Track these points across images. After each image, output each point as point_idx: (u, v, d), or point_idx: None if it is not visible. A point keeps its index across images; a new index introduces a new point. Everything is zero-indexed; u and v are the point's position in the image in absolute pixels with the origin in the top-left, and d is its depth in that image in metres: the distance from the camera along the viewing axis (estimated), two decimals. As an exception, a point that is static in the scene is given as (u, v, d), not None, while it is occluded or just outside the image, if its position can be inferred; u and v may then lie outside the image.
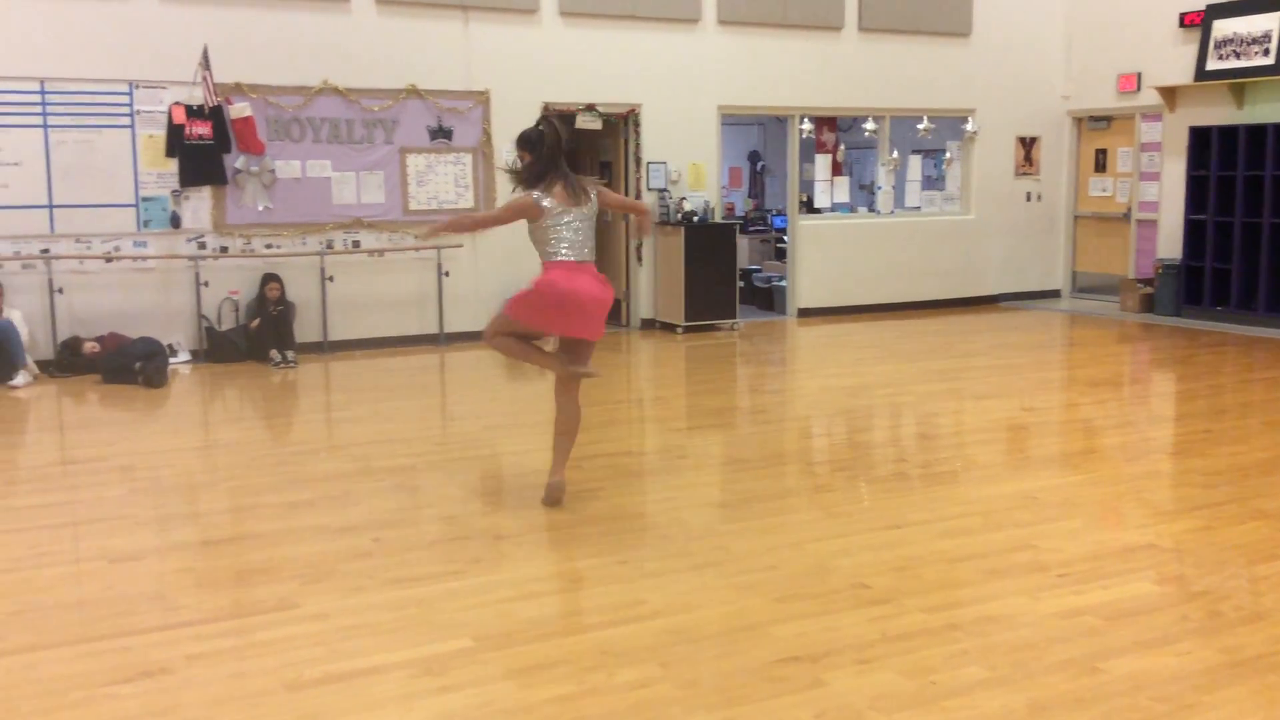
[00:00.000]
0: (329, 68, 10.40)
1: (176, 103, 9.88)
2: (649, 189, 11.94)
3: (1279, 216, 11.61)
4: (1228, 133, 12.09)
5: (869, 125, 13.18)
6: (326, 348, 10.55)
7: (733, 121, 14.14)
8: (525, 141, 5.57)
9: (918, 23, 13.01)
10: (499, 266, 10.91)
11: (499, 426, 7.54)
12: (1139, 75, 13.07)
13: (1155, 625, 4.07)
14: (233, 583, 4.60)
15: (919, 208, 13.66)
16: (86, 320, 9.68)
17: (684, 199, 11.92)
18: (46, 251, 9.54)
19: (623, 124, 11.88)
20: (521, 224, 5.56)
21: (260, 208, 10.27)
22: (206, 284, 10.08)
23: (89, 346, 9.44)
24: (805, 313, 12.87)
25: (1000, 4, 13.47)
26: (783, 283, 13.22)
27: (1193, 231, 12.45)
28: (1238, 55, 12.00)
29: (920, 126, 13.19)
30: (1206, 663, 3.76)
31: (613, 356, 10.70)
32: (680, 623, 4.11)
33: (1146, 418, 8.03)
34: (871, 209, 13.69)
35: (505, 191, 10.13)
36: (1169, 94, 12.68)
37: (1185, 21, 12.50)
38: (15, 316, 9.17)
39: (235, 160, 10.14)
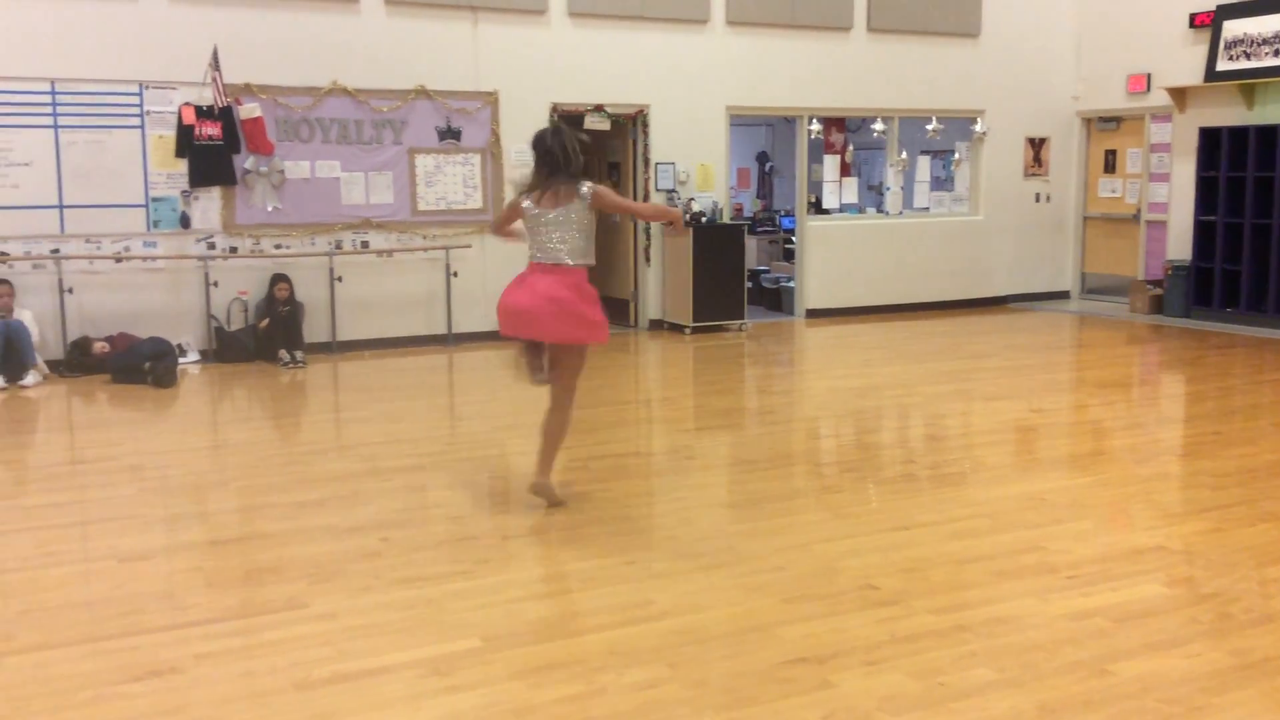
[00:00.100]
0: (338, 68, 10.42)
1: (186, 103, 9.91)
2: (657, 190, 11.94)
3: (1289, 218, 11.59)
4: (1238, 134, 12.05)
5: (878, 126, 13.16)
6: (335, 348, 10.57)
7: (741, 122, 14.13)
8: (531, 145, 5.60)
9: (927, 23, 12.99)
10: (507, 267, 10.88)
11: (507, 427, 7.54)
12: (1149, 76, 13.04)
13: (1164, 627, 4.06)
14: (241, 582, 4.61)
15: (928, 208, 13.64)
16: (96, 320, 9.71)
17: (692, 200, 11.92)
18: (57, 251, 9.57)
19: (631, 125, 11.88)
20: None
21: (269, 208, 10.29)
22: (216, 284, 10.10)
23: (99, 346, 9.46)
24: (813, 313, 12.86)
25: (1010, 4, 13.45)
26: (791, 283, 13.21)
27: (1202, 233, 12.41)
28: (1248, 56, 11.97)
29: (929, 127, 13.18)
30: (1216, 665, 3.75)
31: (621, 357, 10.71)
32: (688, 623, 4.11)
33: (1156, 419, 8.01)
34: (880, 210, 13.68)
35: (511, 193, 10.14)
36: (1179, 95, 12.64)
37: (1195, 22, 12.46)
38: (26, 317, 9.20)
39: (244, 161, 10.17)
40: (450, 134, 10.90)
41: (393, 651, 3.89)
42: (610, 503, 5.71)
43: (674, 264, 11.90)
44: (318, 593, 4.44)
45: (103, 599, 4.44)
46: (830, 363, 10.59)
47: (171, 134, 9.92)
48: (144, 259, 9.90)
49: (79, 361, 9.43)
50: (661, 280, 12.10)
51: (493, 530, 5.28)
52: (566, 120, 11.42)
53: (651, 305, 12.14)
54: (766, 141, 16.96)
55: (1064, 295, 14.29)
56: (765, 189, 16.98)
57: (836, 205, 13.34)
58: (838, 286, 12.98)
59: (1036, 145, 13.92)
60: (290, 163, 10.33)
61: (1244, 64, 12.00)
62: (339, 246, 10.56)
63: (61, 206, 9.61)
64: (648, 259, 12.06)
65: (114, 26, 9.66)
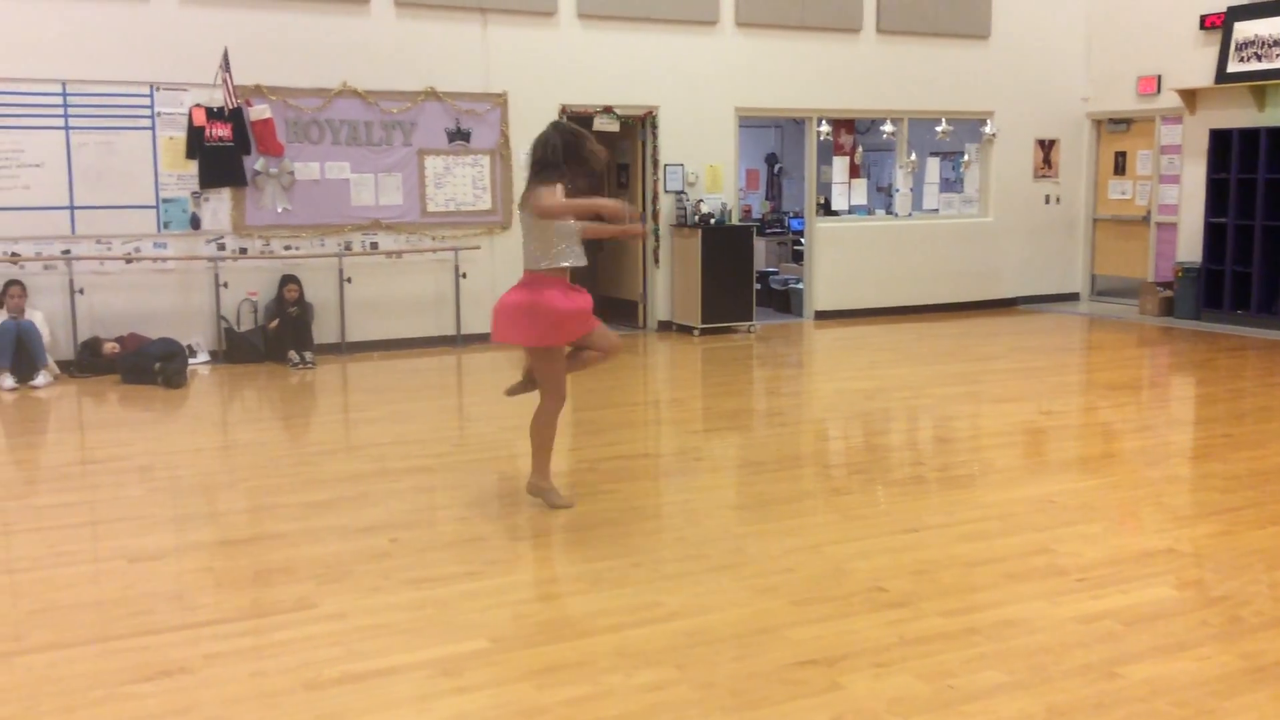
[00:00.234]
0: (348, 70, 10.44)
1: (197, 105, 9.93)
2: (666, 191, 11.94)
3: (1300, 220, 11.56)
4: (1249, 135, 12.02)
5: (887, 127, 13.15)
6: (344, 349, 10.59)
7: (750, 123, 14.13)
8: None
9: (936, 24, 12.98)
10: (515, 269, 10.87)
11: (516, 428, 7.53)
12: (1159, 77, 13.01)
13: (1174, 630, 4.05)
14: (251, 582, 4.62)
15: (937, 210, 13.62)
16: (106, 321, 9.74)
17: (701, 201, 11.92)
18: (68, 252, 9.60)
19: (640, 126, 11.89)
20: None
21: (279, 209, 10.31)
22: (226, 285, 10.12)
23: (109, 347, 9.49)
24: (822, 315, 12.85)
25: (1019, 6, 13.43)
26: (799, 285, 13.21)
27: (1213, 235, 12.38)
28: (1259, 57, 11.93)
29: (939, 129, 13.16)
30: (1226, 668, 3.74)
31: (629, 358, 10.71)
32: (697, 625, 4.11)
33: (1166, 422, 7.99)
34: (889, 211, 13.66)
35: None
36: (1189, 96, 12.61)
37: (1206, 24, 12.43)
38: (37, 318, 9.23)
39: (255, 162, 10.19)
40: (460, 135, 10.92)
41: (402, 652, 3.90)
42: (618, 504, 5.71)
43: (682, 266, 11.90)
44: (327, 593, 4.45)
45: (113, 599, 4.45)
46: (839, 364, 10.58)
47: (182, 135, 9.94)
48: (154, 260, 9.93)
49: (89, 362, 9.46)
50: (670, 282, 12.10)
51: (501, 531, 5.29)
52: (576, 121, 11.45)
53: (660, 307, 12.14)
54: (775, 143, 16.95)
55: (1074, 297, 14.26)
56: (774, 190, 16.97)
57: (845, 207, 13.33)
58: (846, 288, 12.96)
59: (1046, 147, 13.89)
60: (300, 164, 10.35)
61: (1255, 65, 11.97)
62: (348, 248, 10.58)
63: (72, 207, 9.64)
64: (656, 261, 12.06)
65: (125, 28, 9.69)
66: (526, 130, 10.88)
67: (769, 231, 15.03)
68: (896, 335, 11.80)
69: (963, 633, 4.01)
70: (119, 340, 9.58)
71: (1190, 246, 12.72)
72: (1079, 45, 13.84)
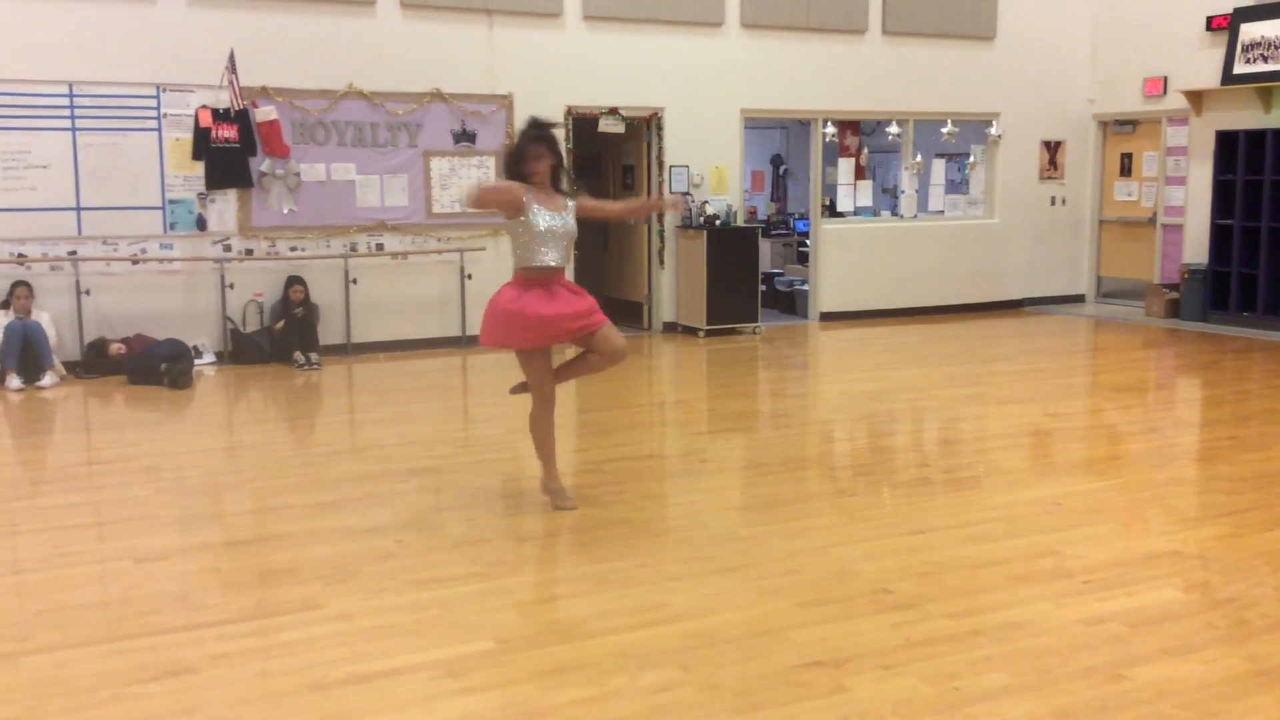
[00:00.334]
0: (354, 71, 10.45)
1: (203, 106, 9.95)
2: (671, 192, 11.94)
3: (1307, 221, 11.54)
4: (1255, 137, 12.00)
5: (892, 129, 13.14)
6: (350, 350, 10.60)
7: (756, 125, 14.12)
8: None
9: (942, 26, 12.97)
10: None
11: (521, 429, 7.50)
12: (1165, 79, 12.99)
13: (1180, 632, 4.05)
14: (257, 583, 4.63)
15: (942, 211, 13.61)
16: (113, 321, 9.76)
17: (706, 202, 11.92)
18: (74, 253, 9.63)
19: (645, 127, 11.89)
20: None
21: (285, 210, 10.33)
22: (232, 286, 10.14)
23: (115, 348, 9.51)
24: (827, 317, 12.85)
25: (1025, 7, 13.42)
26: (805, 286, 13.20)
27: (1219, 236, 12.36)
28: (1265, 59, 11.91)
29: (944, 130, 13.15)
30: (1232, 671, 3.73)
31: (634, 360, 10.71)
32: (702, 626, 4.11)
33: (1172, 424, 7.98)
34: (895, 213, 13.66)
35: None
36: (1195, 98, 12.59)
37: (1212, 25, 12.41)
38: (44, 319, 9.25)
39: (261, 163, 10.21)
40: (465, 137, 10.93)
41: (407, 653, 3.90)
42: (624, 505, 5.71)
43: (688, 267, 11.90)
44: (333, 594, 4.45)
45: (119, 599, 4.46)
46: (844, 366, 10.58)
47: (188, 136, 9.97)
48: (160, 261, 9.94)
49: (96, 363, 9.48)
50: (675, 283, 12.10)
51: (507, 532, 5.29)
52: (580, 123, 11.46)
53: (665, 308, 12.14)
54: (781, 144, 16.95)
55: (1079, 299, 14.24)
56: (779, 192, 16.97)
57: (851, 208, 13.32)
58: (852, 290, 12.96)
59: (1052, 148, 13.88)
60: (306, 165, 10.37)
61: (1261, 67, 11.95)
62: (354, 249, 10.60)
63: (79, 209, 9.66)
64: (661, 262, 12.06)
65: (131, 30, 9.72)
66: (532, 131, 10.92)
67: (774, 233, 15.02)
68: (902, 337, 11.79)
69: (968, 635, 4.01)
70: (125, 341, 9.60)
71: (1196, 248, 12.70)
72: (1085, 46, 13.82)
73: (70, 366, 9.45)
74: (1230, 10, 12.24)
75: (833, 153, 13.24)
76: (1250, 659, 3.82)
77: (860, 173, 13.47)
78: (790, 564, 4.78)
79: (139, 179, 9.84)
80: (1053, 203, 13.96)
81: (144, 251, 9.89)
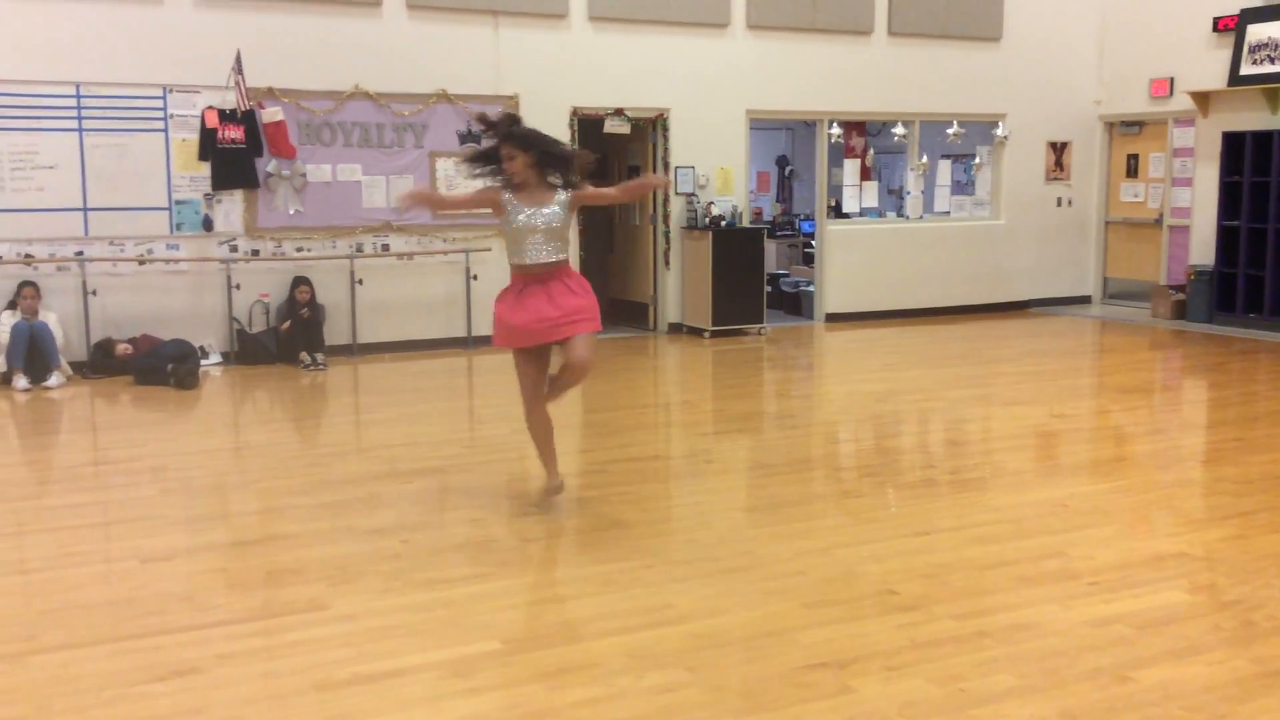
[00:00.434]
0: (360, 72, 10.46)
1: (209, 107, 9.97)
2: (677, 193, 11.95)
3: (1314, 222, 11.51)
4: (1262, 138, 11.98)
5: (898, 130, 13.13)
6: (355, 350, 10.61)
7: (761, 126, 14.12)
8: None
9: (948, 27, 12.96)
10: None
11: (526, 430, 7.55)
12: (1171, 80, 12.97)
13: (1187, 634, 4.04)
14: (263, 583, 4.63)
15: (948, 213, 13.60)
16: (119, 322, 9.78)
17: (712, 203, 11.91)
18: (81, 254, 9.65)
19: (651, 128, 11.89)
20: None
21: (291, 211, 10.34)
22: (238, 287, 10.16)
23: (122, 348, 9.53)
24: (833, 318, 12.84)
25: (1032, 8, 13.40)
26: (810, 288, 13.20)
27: (1226, 238, 12.34)
28: (1272, 60, 11.89)
29: (950, 131, 13.14)
30: (1239, 673, 3.72)
31: (640, 360, 10.72)
32: (707, 627, 4.11)
33: (1178, 425, 7.96)
34: (900, 214, 13.65)
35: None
36: (1202, 99, 12.57)
37: (1219, 26, 12.39)
38: (51, 319, 9.27)
39: (267, 164, 10.22)
40: (471, 137, 10.93)
41: (413, 653, 3.90)
42: (629, 506, 5.71)
43: (693, 268, 11.90)
44: (338, 594, 4.46)
45: (125, 599, 4.46)
46: (850, 367, 10.57)
47: (195, 137, 9.98)
48: (167, 261, 9.96)
49: (102, 363, 9.50)
50: (680, 284, 12.10)
51: (512, 533, 5.29)
52: (586, 123, 11.46)
53: (670, 309, 12.14)
54: (786, 145, 16.94)
55: (1085, 300, 14.22)
56: (785, 193, 16.96)
57: (856, 209, 13.31)
58: (857, 291, 12.95)
59: (1058, 149, 13.86)
60: (312, 166, 10.38)
61: (1268, 68, 11.92)
62: (360, 249, 10.61)
63: (86, 209, 9.68)
64: (667, 263, 12.06)
65: (138, 30, 9.74)
66: (538, 132, 10.93)
67: (780, 234, 15.02)
68: (908, 338, 11.78)
69: (974, 636, 4.00)
70: (132, 341, 9.62)
71: (1203, 249, 12.68)
72: (1091, 47, 13.81)
73: (77, 367, 9.46)
74: (1237, 11, 12.21)
75: (838, 154, 13.23)
76: (1257, 661, 3.81)
77: (866, 174, 13.47)
78: (796, 565, 4.78)
79: (145, 180, 9.86)
80: (1059, 204, 13.95)
81: (150, 252, 9.90)
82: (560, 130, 11.17)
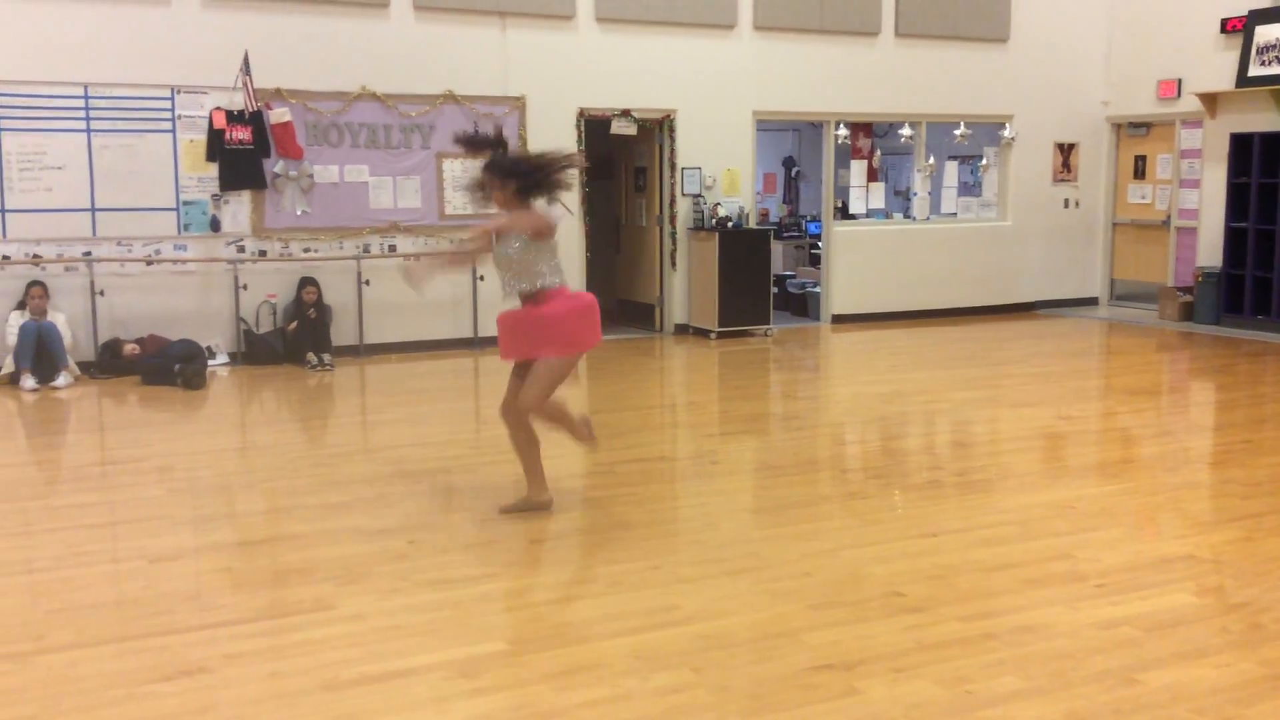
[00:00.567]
0: (367, 73, 10.48)
1: (217, 108, 9.99)
2: (683, 194, 11.95)
3: (1322, 224, 11.48)
4: (1270, 140, 11.95)
5: (905, 131, 13.12)
6: (362, 351, 10.63)
7: (768, 127, 14.10)
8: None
9: (955, 28, 12.94)
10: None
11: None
12: (1179, 81, 12.95)
13: (1194, 637, 4.03)
14: (270, 583, 4.64)
15: (955, 214, 13.58)
16: (127, 322, 9.80)
17: (718, 204, 11.91)
18: (89, 254, 9.67)
19: (658, 129, 11.89)
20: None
21: (298, 212, 10.36)
22: (245, 287, 10.17)
23: (129, 348, 9.55)
24: (839, 319, 12.83)
25: (1039, 9, 13.38)
26: (817, 289, 13.19)
27: (1233, 239, 12.31)
28: (1280, 61, 11.86)
29: (957, 132, 13.12)
30: (1246, 675, 3.72)
31: (646, 362, 10.72)
32: (713, 628, 4.11)
33: (1185, 427, 7.95)
34: (907, 215, 13.63)
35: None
36: (1210, 100, 12.55)
37: (1227, 27, 12.36)
38: (59, 320, 9.29)
39: (274, 165, 10.24)
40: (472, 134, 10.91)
41: (420, 653, 3.91)
42: (635, 507, 5.71)
43: (699, 269, 11.90)
44: (345, 594, 4.46)
45: (132, 599, 4.48)
46: (856, 368, 10.56)
47: (202, 138, 10.00)
48: (174, 262, 9.98)
49: (110, 363, 9.52)
50: (687, 285, 12.10)
51: (519, 534, 5.30)
52: (592, 124, 11.46)
53: (677, 310, 12.14)
54: (793, 146, 16.93)
55: (1093, 302, 14.20)
56: (791, 194, 16.96)
57: (863, 210, 13.30)
58: (864, 292, 12.94)
59: (1065, 150, 13.84)
60: (319, 167, 10.40)
61: (1276, 69, 11.89)
62: (367, 250, 10.62)
63: (94, 210, 9.70)
64: (673, 264, 12.05)
65: (146, 31, 9.76)
66: (545, 134, 10.98)
67: (786, 235, 15.02)
68: (914, 339, 11.77)
69: (981, 638, 4.00)
70: (139, 342, 9.64)
71: (1210, 251, 12.65)
72: (1099, 48, 13.78)
73: (84, 367, 9.48)
74: (1245, 12, 12.18)
75: (845, 155, 13.22)
76: (1264, 663, 3.80)
77: (873, 175, 13.46)
78: (802, 566, 4.77)
79: (153, 180, 9.87)
80: (1066, 205, 13.92)
81: (158, 252, 9.92)
82: (567, 131, 11.20)
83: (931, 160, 13.26)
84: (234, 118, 10.02)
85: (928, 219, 13.36)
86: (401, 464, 6.60)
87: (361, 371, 10.01)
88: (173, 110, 9.91)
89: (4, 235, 9.45)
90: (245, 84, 9.93)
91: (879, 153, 13.83)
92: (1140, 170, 13.74)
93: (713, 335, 11.72)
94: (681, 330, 12.12)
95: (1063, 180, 13.88)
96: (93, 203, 9.69)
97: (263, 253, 10.28)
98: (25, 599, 4.51)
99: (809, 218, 15.42)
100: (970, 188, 13.97)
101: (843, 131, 12.85)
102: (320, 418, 8.51)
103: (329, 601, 4.39)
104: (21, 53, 9.39)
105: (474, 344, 10.99)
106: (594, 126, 11.50)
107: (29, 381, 8.93)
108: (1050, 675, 3.70)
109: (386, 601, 4.39)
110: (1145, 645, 3.94)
